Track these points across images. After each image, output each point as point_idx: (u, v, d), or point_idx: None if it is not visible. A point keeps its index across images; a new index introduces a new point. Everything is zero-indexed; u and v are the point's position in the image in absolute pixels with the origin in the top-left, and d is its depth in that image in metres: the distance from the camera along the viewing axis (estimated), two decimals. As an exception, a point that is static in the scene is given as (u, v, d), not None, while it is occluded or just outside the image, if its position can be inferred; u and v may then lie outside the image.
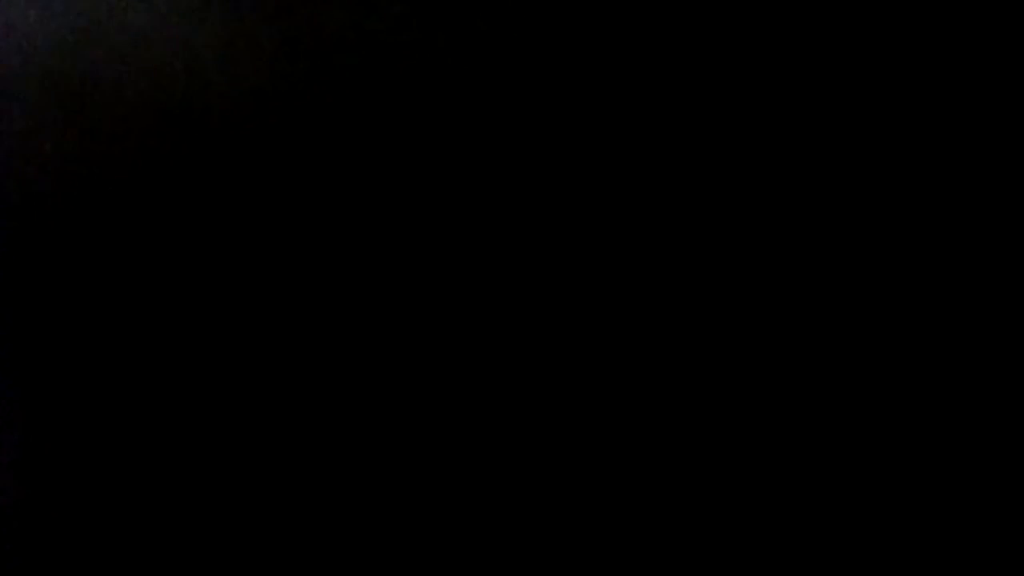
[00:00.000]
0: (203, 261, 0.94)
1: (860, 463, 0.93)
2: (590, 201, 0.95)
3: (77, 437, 0.94)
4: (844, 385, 0.94)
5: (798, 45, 0.93)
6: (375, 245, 0.94)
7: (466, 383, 0.93)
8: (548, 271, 0.95)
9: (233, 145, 0.93)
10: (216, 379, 0.93)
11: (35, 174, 0.94)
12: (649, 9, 0.95)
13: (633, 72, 0.95)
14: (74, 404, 0.95)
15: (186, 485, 0.94)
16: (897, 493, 0.93)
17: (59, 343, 0.95)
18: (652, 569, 0.93)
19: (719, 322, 0.95)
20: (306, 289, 0.94)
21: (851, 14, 0.94)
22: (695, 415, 0.95)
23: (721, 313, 0.95)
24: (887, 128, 0.94)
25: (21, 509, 0.92)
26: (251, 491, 0.94)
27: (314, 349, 0.94)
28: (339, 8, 0.90)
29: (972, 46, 0.93)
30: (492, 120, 0.93)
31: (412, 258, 0.93)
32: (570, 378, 0.95)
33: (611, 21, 0.96)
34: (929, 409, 0.93)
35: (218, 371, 0.93)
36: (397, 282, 0.93)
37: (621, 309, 0.95)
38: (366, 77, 0.91)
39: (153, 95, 0.92)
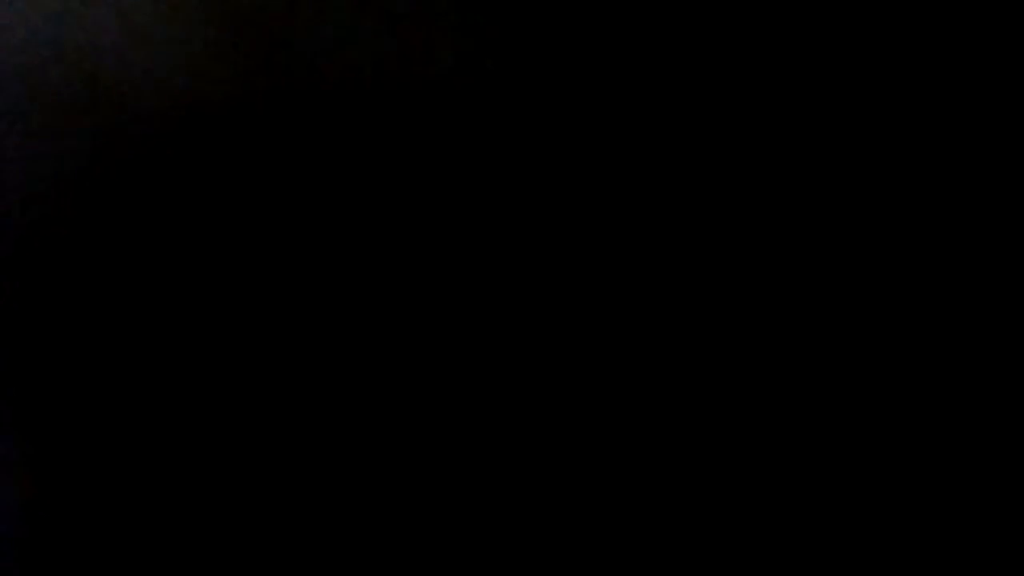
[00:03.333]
0: (200, 262, 0.94)
1: (860, 463, 0.94)
2: (584, 200, 0.96)
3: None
4: (844, 385, 0.94)
5: (797, 44, 0.94)
6: (371, 245, 0.94)
7: (463, 383, 0.93)
8: (539, 268, 0.95)
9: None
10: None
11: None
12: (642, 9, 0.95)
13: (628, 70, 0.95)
14: (74, 406, 0.95)
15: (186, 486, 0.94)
16: (897, 493, 0.93)
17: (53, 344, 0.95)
18: (651, 569, 0.93)
19: (717, 322, 0.95)
20: (309, 292, 0.94)
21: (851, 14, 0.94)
22: (694, 415, 0.95)
23: (719, 313, 0.95)
24: (887, 128, 0.94)
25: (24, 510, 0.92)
26: (252, 492, 0.94)
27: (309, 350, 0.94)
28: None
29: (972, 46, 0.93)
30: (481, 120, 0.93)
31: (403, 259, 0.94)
32: (568, 378, 0.95)
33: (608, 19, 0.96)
34: (929, 409, 0.93)
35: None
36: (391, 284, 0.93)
37: (618, 308, 0.96)
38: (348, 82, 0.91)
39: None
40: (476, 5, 0.90)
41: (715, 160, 0.96)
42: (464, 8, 0.91)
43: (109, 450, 0.95)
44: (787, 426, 0.95)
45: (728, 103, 0.95)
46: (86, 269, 0.98)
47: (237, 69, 0.91)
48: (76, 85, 0.94)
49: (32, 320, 0.97)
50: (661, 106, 0.96)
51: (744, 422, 0.96)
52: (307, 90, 0.92)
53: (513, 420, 0.96)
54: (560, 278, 0.96)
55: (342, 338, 0.95)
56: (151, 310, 0.97)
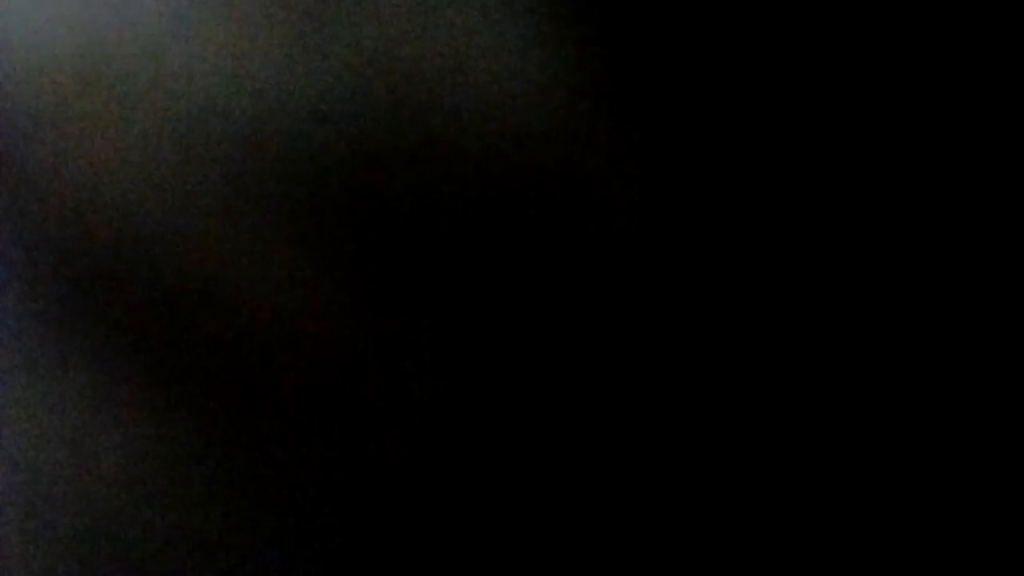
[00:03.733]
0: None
1: (861, 464, 0.93)
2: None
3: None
4: (845, 385, 0.94)
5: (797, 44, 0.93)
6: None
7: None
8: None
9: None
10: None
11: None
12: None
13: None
14: None
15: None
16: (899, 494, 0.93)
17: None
18: (652, 570, 0.93)
19: (716, 321, 0.95)
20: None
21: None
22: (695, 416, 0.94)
23: (718, 312, 0.95)
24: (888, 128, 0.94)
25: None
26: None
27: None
28: None
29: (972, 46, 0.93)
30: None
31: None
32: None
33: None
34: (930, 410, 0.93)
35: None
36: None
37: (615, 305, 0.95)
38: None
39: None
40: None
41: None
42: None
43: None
44: (787, 426, 0.95)
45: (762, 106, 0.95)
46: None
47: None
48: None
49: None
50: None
51: (745, 422, 0.96)
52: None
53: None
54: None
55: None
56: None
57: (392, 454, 0.94)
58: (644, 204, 0.96)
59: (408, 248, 0.96)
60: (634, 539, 0.96)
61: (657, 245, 0.96)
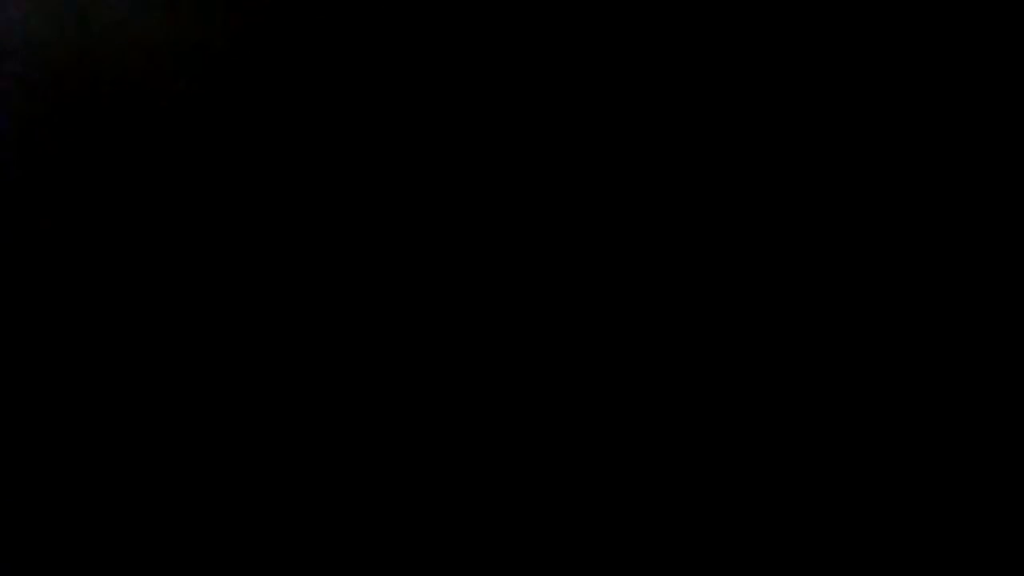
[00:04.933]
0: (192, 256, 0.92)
1: (860, 464, 0.93)
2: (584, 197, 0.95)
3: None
4: (844, 385, 0.94)
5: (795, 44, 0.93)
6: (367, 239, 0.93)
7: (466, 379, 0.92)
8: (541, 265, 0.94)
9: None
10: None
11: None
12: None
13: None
14: (69, 400, 0.92)
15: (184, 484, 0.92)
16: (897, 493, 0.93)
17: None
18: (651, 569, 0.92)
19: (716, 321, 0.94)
20: (299, 285, 0.93)
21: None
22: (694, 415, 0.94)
23: (718, 311, 0.94)
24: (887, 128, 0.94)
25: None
26: (247, 490, 0.92)
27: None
28: None
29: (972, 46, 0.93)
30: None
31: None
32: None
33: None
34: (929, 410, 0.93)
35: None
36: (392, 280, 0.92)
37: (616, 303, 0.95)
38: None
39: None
40: None
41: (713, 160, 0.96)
42: None
43: (102, 447, 0.93)
44: (787, 426, 0.95)
45: (723, 102, 0.94)
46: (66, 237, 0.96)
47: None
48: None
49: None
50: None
51: (744, 422, 0.95)
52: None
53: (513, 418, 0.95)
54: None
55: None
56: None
57: (392, 453, 0.93)
58: (643, 202, 0.95)
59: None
60: (634, 538, 0.96)
61: (657, 243, 0.96)
